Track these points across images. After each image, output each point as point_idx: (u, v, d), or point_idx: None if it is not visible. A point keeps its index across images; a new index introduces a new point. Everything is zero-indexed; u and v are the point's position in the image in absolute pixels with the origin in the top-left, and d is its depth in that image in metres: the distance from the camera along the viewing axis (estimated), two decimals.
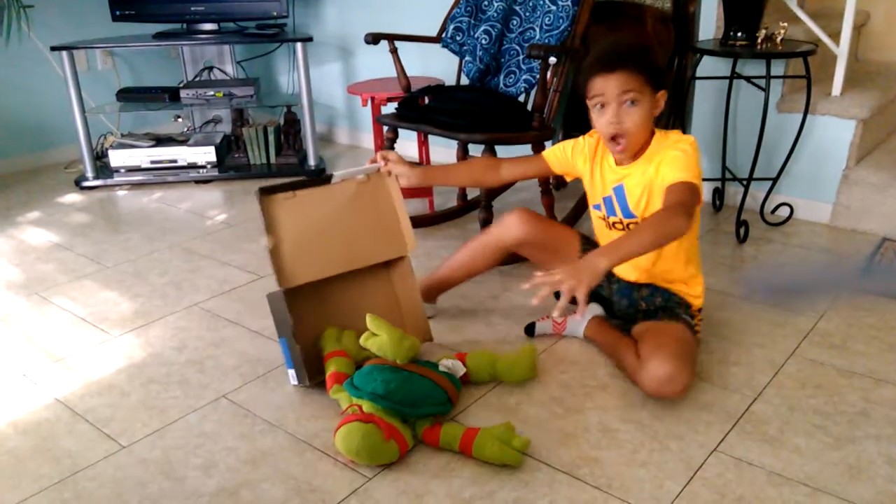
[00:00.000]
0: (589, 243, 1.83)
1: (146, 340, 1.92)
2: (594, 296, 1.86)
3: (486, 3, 2.57)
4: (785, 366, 1.72)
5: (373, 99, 2.81)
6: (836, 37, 2.47)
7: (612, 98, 1.56)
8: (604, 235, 1.78)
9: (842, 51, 2.47)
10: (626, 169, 1.67)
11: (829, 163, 2.52)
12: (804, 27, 2.50)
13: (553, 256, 1.81)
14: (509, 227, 1.83)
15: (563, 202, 2.68)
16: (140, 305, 2.11)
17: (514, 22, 2.51)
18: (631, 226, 1.69)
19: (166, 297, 2.16)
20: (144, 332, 1.96)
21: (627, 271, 1.77)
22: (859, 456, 1.41)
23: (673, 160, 1.57)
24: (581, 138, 1.78)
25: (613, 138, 1.60)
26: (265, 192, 1.64)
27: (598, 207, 1.76)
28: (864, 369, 1.69)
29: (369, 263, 1.76)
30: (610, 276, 1.80)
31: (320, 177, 1.73)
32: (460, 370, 1.63)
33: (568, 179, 1.88)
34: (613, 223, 1.73)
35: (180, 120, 3.89)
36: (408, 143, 3.14)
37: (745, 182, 2.43)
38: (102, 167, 3.31)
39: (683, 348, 1.60)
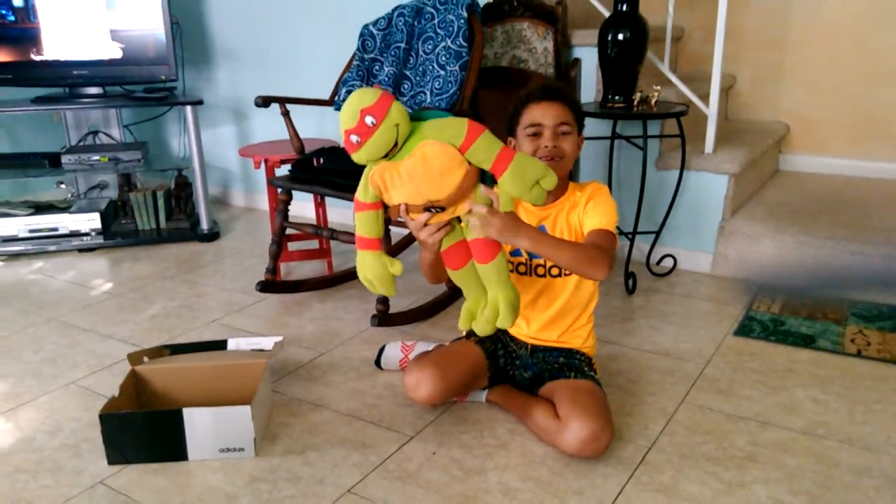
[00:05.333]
0: (492, 358, 1.79)
1: (15, 425, 1.76)
2: (500, 378, 1.82)
3: (377, 67, 2.61)
4: (676, 413, 1.76)
5: (266, 161, 2.77)
6: (706, 98, 2.64)
7: (549, 126, 1.61)
8: (520, 283, 1.73)
9: (711, 111, 2.65)
10: (546, 210, 1.68)
11: (707, 215, 2.66)
12: (676, 90, 2.67)
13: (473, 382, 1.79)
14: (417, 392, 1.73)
15: None
16: (10, 387, 1.95)
17: (406, 86, 2.55)
18: (553, 270, 1.70)
19: (40, 375, 2.01)
20: (13, 416, 1.80)
21: (524, 328, 1.77)
22: (749, 500, 1.44)
23: (599, 205, 1.62)
24: None
25: (552, 158, 1.61)
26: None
27: (517, 253, 1.71)
28: (750, 413, 1.76)
29: (221, 362, 1.81)
30: (511, 349, 1.80)
31: (217, 343, 1.98)
32: None
33: None
34: (536, 266, 1.71)
35: (63, 186, 3.71)
36: (305, 204, 3.10)
37: (630, 236, 2.53)
38: None
39: (601, 405, 1.59)
